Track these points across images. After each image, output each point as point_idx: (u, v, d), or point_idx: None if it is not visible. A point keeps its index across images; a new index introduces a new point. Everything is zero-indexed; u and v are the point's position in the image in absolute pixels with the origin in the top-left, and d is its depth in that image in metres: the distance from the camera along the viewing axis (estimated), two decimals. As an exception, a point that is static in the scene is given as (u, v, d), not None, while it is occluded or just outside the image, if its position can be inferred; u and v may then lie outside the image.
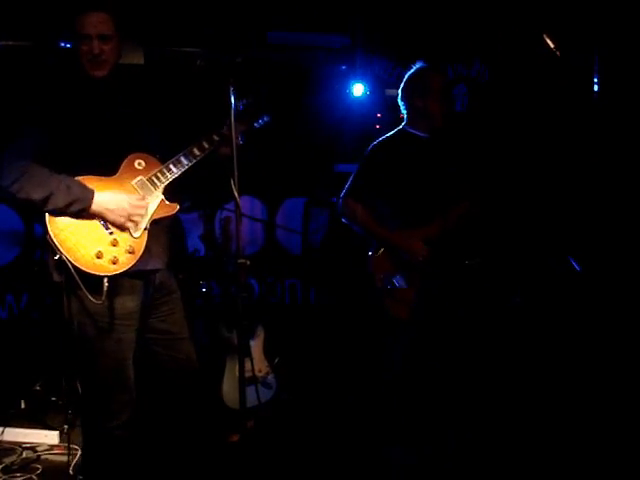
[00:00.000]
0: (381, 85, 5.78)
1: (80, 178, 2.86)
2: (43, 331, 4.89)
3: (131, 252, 2.90)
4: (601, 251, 4.32)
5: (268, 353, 4.59)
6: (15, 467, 3.90)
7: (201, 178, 3.34)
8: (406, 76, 3.80)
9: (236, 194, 2.95)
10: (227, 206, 4.83)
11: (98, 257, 2.82)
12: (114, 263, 2.84)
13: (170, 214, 3.06)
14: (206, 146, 3.15)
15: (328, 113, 5.76)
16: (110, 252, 2.85)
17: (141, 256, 2.92)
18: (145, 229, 2.95)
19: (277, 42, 5.45)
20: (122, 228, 2.89)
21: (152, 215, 2.99)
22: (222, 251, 4.81)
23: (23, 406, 4.61)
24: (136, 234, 2.92)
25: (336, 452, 4.09)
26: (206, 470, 3.94)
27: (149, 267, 3.01)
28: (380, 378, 3.88)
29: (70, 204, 2.79)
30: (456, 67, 5.64)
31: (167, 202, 3.04)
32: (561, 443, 3.90)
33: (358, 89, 5.72)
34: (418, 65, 3.79)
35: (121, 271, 2.85)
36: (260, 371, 4.45)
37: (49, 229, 2.79)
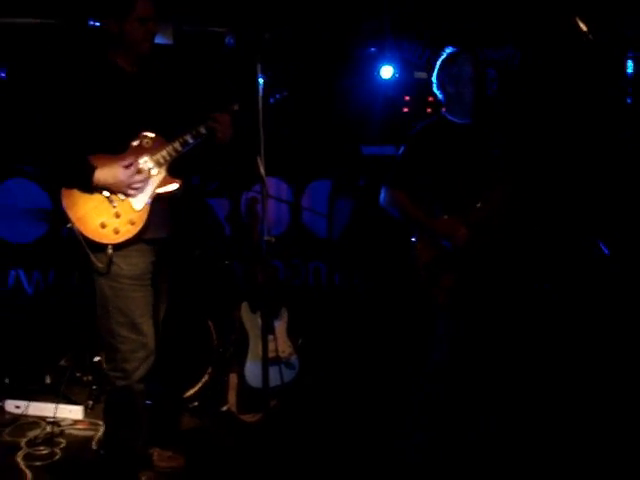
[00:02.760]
0: (410, 68, 5.73)
1: (91, 157, 3.13)
2: (69, 307, 4.93)
3: (132, 223, 3.16)
4: (632, 239, 4.26)
5: (292, 334, 4.60)
6: (39, 441, 3.94)
7: (227, 160, 3.40)
8: (438, 62, 3.74)
9: (263, 173, 2.97)
10: (254, 187, 4.82)
11: (102, 227, 3.12)
12: (116, 233, 3.14)
13: (172, 190, 3.26)
14: (212, 125, 3.28)
15: (356, 95, 5.73)
16: (113, 223, 3.14)
17: (143, 226, 3.17)
18: (147, 203, 3.19)
19: (306, 25, 5.42)
20: (126, 196, 3.15)
21: (154, 189, 3.22)
22: (247, 232, 4.82)
23: (48, 381, 4.66)
24: (138, 207, 3.17)
25: (355, 435, 4.10)
26: (227, 448, 3.99)
27: (151, 235, 3.24)
28: (422, 364, 3.84)
29: (73, 182, 3.12)
30: (486, 51, 5.57)
31: (170, 178, 3.25)
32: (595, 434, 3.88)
33: (387, 71, 5.67)
34: (449, 50, 3.72)
35: (122, 240, 3.14)
36: (283, 352, 4.45)
37: (63, 201, 3.13)
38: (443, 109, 3.77)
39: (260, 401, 3.89)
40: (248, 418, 4.32)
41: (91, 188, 3.11)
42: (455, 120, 3.70)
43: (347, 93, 5.68)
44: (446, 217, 3.63)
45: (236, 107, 3.29)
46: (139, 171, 3.17)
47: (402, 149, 3.77)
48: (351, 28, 5.67)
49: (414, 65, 5.73)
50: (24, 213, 5.25)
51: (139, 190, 3.17)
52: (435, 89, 3.77)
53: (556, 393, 4.29)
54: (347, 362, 5.13)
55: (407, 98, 5.75)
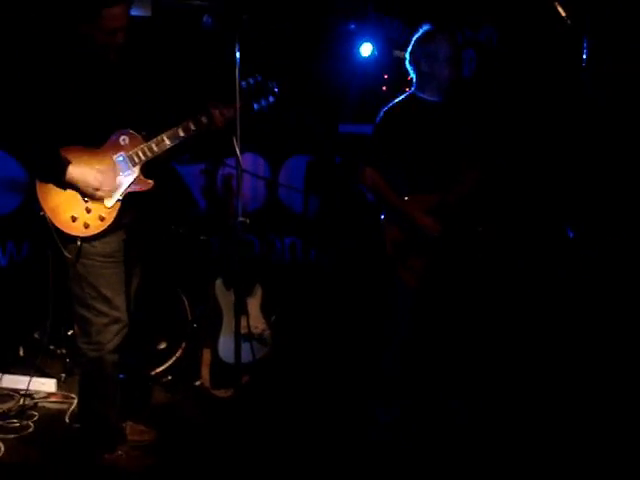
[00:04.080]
0: (390, 46, 5.72)
1: (67, 148, 3.13)
2: (43, 279, 4.92)
3: (101, 219, 3.21)
4: (601, 222, 4.31)
5: (265, 310, 4.63)
6: (12, 414, 3.95)
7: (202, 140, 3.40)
8: (413, 40, 3.72)
9: (238, 154, 2.99)
10: (229, 162, 4.81)
11: (73, 220, 3.17)
12: (86, 227, 3.19)
13: (145, 189, 3.29)
14: (192, 128, 3.31)
15: (335, 72, 5.72)
16: (83, 217, 3.19)
17: (112, 222, 3.21)
18: (118, 201, 3.22)
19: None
20: (92, 198, 3.17)
21: (127, 189, 3.25)
22: (223, 207, 4.82)
23: (22, 353, 4.67)
24: (109, 204, 3.21)
25: (326, 411, 4.15)
26: (199, 423, 4.02)
27: (123, 221, 3.28)
28: (382, 340, 3.89)
29: (46, 176, 3.15)
30: (464, 31, 5.57)
31: (143, 178, 3.27)
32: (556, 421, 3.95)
33: (366, 49, 5.66)
34: (425, 28, 3.70)
35: (91, 234, 3.19)
36: (256, 328, 4.48)
37: (37, 190, 3.18)
38: (413, 86, 3.77)
39: (233, 377, 3.93)
40: (221, 393, 4.36)
41: (63, 184, 3.14)
42: (426, 98, 3.70)
43: (326, 70, 5.66)
44: (414, 197, 3.65)
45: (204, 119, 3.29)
46: (110, 178, 3.19)
47: (373, 127, 3.77)
48: (331, 4, 5.65)
49: (395, 43, 5.71)
50: (-1, 184, 5.20)
51: (105, 195, 3.19)
52: (408, 65, 3.76)
53: (532, 375, 4.36)
54: (320, 338, 5.17)
55: (386, 76, 5.74)
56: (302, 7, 5.46)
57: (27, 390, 4.09)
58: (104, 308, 3.26)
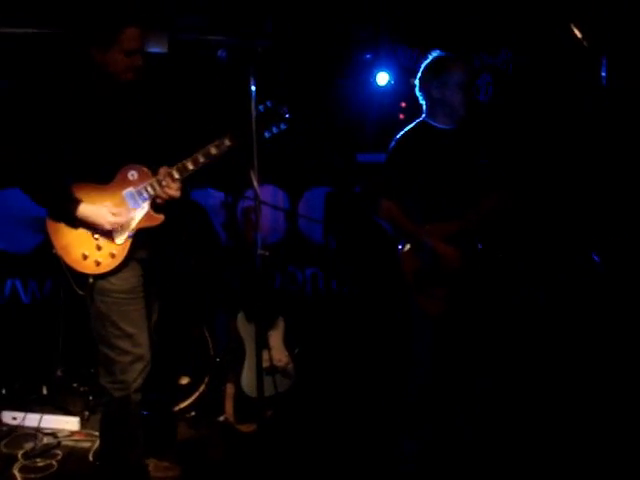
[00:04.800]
0: (406, 74, 5.70)
1: (76, 185, 3.15)
2: (65, 317, 4.92)
3: (113, 256, 3.19)
4: (626, 250, 4.25)
5: (288, 343, 4.59)
6: (35, 453, 3.94)
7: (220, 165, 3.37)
8: (422, 66, 3.70)
9: (256, 186, 2.97)
10: (249, 194, 4.81)
11: (84, 258, 3.16)
12: (97, 265, 3.17)
13: (155, 224, 3.27)
14: (201, 160, 3.26)
15: (352, 102, 5.72)
16: (94, 255, 3.17)
17: (124, 259, 3.19)
18: (129, 237, 3.21)
19: (300, 32, 5.42)
20: (104, 235, 3.17)
21: (137, 225, 3.23)
22: (243, 240, 4.82)
23: (45, 392, 4.66)
24: (119, 241, 3.20)
25: (351, 444, 4.10)
26: (223, 459, 3.98)
27: (139, 256, 3.29)
28: (404, 371, 3.84)
29: (57, 214, 3.16)
30: (482, 56, 5.56)
31: (153, 213, 3.25)
32: (574, 441, 3.89)
33: (382, 78, 5.66)
34: (435, 54, 3.68)
35: (103, 272, 3.17)
36: (280, 361, 4.45)
37: (47, 227, 3.20)
38: (424, 113, 3.74)
39: (257, 411, 3.90)
40: (245, 428, 4.33)
41: (74, 222, 3.15)
42: (437, 125, 3.67)
43: (342, 100, 5.67)
44: (432, 226, 3.61)
45: (214, 151, 3.23)
46: (122, 215, 3.18)
47: (385, 157, 3.74)
48: (346, 35, 5.67)
49: (410, 71, 5.71)
50: (21, 222, 5.23)
51: (115, 232, 3.18)
52: (417, 92, 3.73)
53: (546, 397, 4.31)
54: (344, 370, 5.12)
55: (403, 105, 5.73)
56: (318, 38, 5.48)
57: (50, 429, 4.08)
58: (127, 346, 3.23)
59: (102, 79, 3.14)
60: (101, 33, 3.05)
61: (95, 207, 3.14)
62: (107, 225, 3.13)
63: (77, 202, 3.11)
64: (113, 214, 3.14)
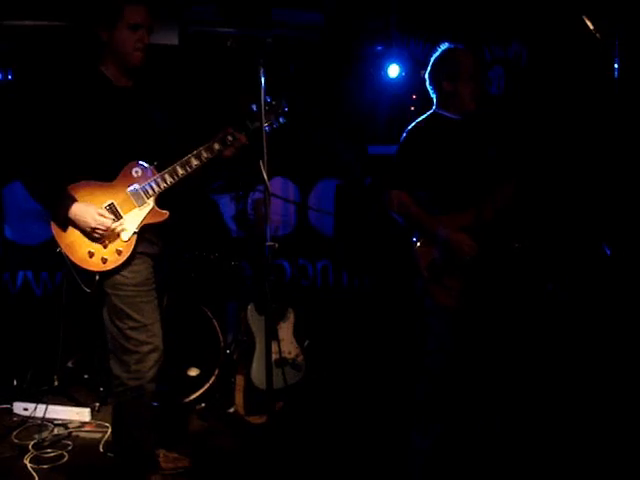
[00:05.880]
0: (417, 66, 5.69)
1: (78, 183, 3.15)
2: (77, 308, 4.94)
3: (119, 253, 3.19)
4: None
5: (298, 335, 4.60)
6: (46, 443, 3.95)
7: (232, 160, 3.37)
8: (432, 58, 3.68)
9: (265, 177, 2.97)
10: (259, 187, 4.81)
11: (90, 256, 3.16)
12: (104, 262, 3.17)
13: (160, 221, 3.28)
14: (205, 155, 3.29)
15: (363, 94, 5.71)
16: (100, 252, 3.17)
17: (130, 255, 3.19)
18: (134, 233, 3.21)
19: (313, 23, 5.41)
20: (90, 238, 3.14)
21: (142, 221, 3.24)
22: (253, 232, 4.82)
23: (56, 383, 4.68)
24: (125, 237, 3.20)
25: (361, 437, 4.10)
26: (233, 450, 3.99)
27: (142, 250, 3.28)
28: (416, 365, 3.82)
29: (52, 213, 3.14)
30: (493, 49, 5.53)
31: (158, 210, 3.26)
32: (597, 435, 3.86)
33: (394, 70, 5.65)
34: (445, 46, 3.66)
35: (110, 269, 3.17)
36: (290, 353, 4.45)
37: (52, 226, 3.17)
38: (434, 105, 3.73)
39: (266, 403, 3.90)
40: (255, 420, 4.33)
41: (66, 222, 3.13)
42: (449, 116, 3.65)
43: (354, 92, 5.66)
44: (445, 217, 3.59)
45: (217, 146, 3.28)
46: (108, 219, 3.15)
47: (397, 148, 3.72)
48: (358, 27, 5.65)
49: (421, 64, 5.69)
50: (32, 215, 5.25)
51: (101, 238, 3.15)
52: (427, 85, 3.72)
53: (559, 394, 4.27)
54: (354, 362, 5.12)
55: (414, 97, 5.72)
56: (329, 31, 5.46)
57: (61, 420, 4.10)
58: (143, 337, 3.25)
59: (111, 64, 3.18)
60: (106, 11, 3.10)
61: (84, 205, 3.11)
62: (92, 223, 3.08)
63: (72, 201, 3.10)
64: (100, 214, 3.11)
